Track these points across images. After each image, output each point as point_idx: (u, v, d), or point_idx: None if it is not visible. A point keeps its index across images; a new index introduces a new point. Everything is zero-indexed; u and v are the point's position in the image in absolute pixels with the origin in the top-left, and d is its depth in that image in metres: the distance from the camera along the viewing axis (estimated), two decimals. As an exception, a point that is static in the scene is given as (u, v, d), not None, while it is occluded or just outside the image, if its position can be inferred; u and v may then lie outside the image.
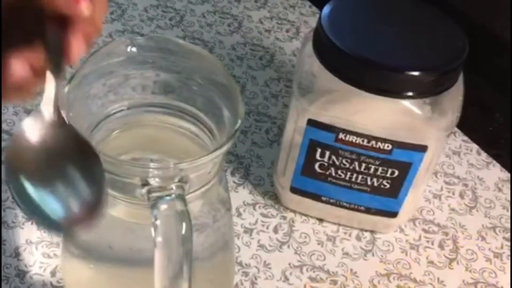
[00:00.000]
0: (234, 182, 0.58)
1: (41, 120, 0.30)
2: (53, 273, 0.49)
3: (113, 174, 0.35)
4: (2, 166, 0.30)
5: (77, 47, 0.29)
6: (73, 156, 0.30)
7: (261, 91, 0.68)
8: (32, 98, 0.32)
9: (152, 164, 0.36)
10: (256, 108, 0.66)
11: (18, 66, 0.28)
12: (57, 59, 0.29)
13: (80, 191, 0.30)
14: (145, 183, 0.34)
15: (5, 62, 0.28)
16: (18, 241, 0.51)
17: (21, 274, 0.49)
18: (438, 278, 0.53)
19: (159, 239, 0.33)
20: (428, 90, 0.46)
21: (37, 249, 0.51)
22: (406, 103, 0.47)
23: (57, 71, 0.29)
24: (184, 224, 0.33)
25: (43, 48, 0.29)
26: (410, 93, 0.46)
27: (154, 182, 0.34)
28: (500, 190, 0.61)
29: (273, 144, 0.63)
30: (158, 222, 0.33)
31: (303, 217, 0.56)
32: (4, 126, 0.57)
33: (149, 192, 0.34)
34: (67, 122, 0.30)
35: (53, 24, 0.29)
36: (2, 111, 0.58)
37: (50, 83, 0.29)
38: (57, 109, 0.30)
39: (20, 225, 0.52)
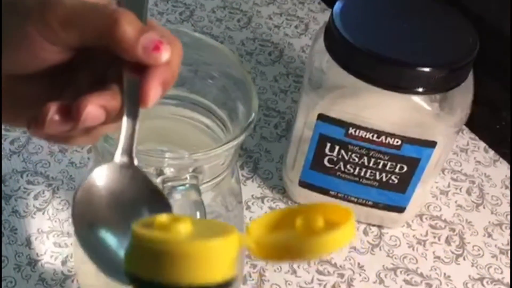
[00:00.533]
0: (243, 175, 0.59)
1: (111, 166, 0.29)
2: (64, 262, 0.50)
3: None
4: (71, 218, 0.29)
5: (153, 92, 0.28)
6: (143, 201, 0.30)
7: (270, 86, 0.69)
8: (95, 141, 0.31)
9: (167, 154, 0.37)
10: (265, 103, 0.67)
11: (92, 109, 0.27)
12: (133, 104, 0.28)
13: None
14: (160, 173, 0.35)
15: (79, 105, 0.27)
16: (30, 230, 0.52)
17: (33, 262, 0.50)
18: (444, 273, 0.53)
19: (173, 228, 0.33)
20: (438, 86, 0.47)
21: (48, 238, 0.51)
22: (416, 99, 0.47)
23: (132, 115, 0.29)
24: (198, 214, 0.34)
25: (118, 93, 0.28)
26: (420, 89, 0.46)
27: (168, 172, 0.35)
28: (507, 187, 0.61)
29: (281, 138, 0.63)
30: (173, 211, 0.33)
31: (311, 211, 0.57)
32: (39, 167, 0.57)
33: (163, 181, 0.35)
34: (135, 164, 0.29)
35: (130, 68, 0.28)
36: (37, 152, 0.58)
37: (124, 127, 0.29)
38: (129, 151, 0.29)
39: (32, 214, 0.53)
